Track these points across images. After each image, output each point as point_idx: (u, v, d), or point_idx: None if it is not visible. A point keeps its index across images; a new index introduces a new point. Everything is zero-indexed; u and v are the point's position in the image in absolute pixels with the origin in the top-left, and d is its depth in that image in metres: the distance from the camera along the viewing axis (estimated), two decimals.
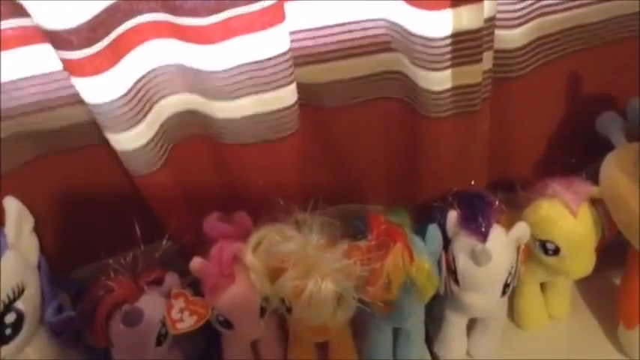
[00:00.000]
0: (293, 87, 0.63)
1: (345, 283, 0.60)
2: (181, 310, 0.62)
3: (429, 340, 0.74)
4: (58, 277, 0.70)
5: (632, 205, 0.61)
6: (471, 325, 0.73)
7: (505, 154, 0.74)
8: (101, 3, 0.53)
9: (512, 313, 0.76)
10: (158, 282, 0.64)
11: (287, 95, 0.63)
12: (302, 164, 0.70)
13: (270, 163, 0.68)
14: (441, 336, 0.73)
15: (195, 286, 0.64)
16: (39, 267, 0.65)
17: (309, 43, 0.64)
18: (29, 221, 0.65)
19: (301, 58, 0.64)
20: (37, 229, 0.69)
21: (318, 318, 0.61)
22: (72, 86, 0.58)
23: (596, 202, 0.67)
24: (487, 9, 0.59)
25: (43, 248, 0.69)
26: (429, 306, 0.70)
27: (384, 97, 0.69)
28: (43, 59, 0.59)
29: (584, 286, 0.77)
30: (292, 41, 0.62)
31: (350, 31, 0.64)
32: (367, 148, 0.72)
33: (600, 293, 0.77)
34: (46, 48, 0.56)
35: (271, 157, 0.67)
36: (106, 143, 0.63)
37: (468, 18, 0.58)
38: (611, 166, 0.64)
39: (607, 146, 0.71)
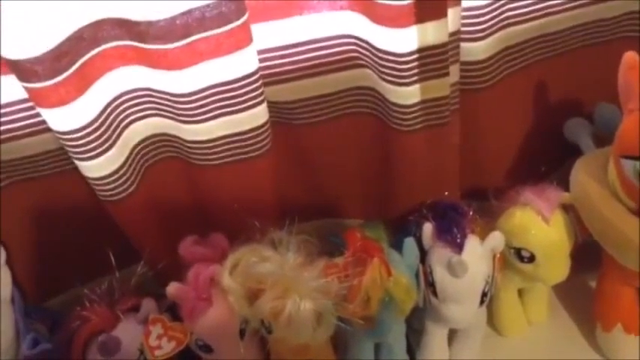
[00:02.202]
0: (263, 107, 0.63)
1: (323, 302, 0.60)
2: (159, 337, 0.61)
3: (411, 352, 0.74)
4: (34, 307, 0.69)
5: (604, 212, 0.61)
6: (452, 334, 0.73)
7: (477, 164, 0.75)
8: (64, 31, 0.53)
9: (491, 320, 0.76)
10: (135, 309, 0.63)
11: (258, 115, 0.63)
12: (276, 182, 0.70)
13: (245, 182, 0.67)
14: (422, 347, 0.73)
15: (172, 310, 0.63)
16: (12, 300, 0.64)
17: (278, 62, 0.64)
18: (1, 255, 0.64)
19: (271, 77, 0.64)
20: (9, 260, 0.68)
21: (299, 337, 0.61)
22: (40, 114, 0.58)
23: (567, 208, 0.68)
24: (451, 23, 0.60)
25: (16, 279, 0.69)
26: (410, 317, 0.70)
27: (356, 112, 0.69)
28: (10, 88, 0.58)
29: (561, 289, 0.78)
30: (261, 61, 0.62)
31: (318, 49, 0.64)
32: (341, 163, 0.73)
33: (577, 296, 0.77)
34: (12, 77, 0.56)
35: (245, 177, 0.67)
36: (77, 169, 0.62)
37: (432, 33, 0.59)
38: (580, 173, 0.65)
39: (576, 150, 0.73)
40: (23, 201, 0.67)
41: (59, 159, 0.65)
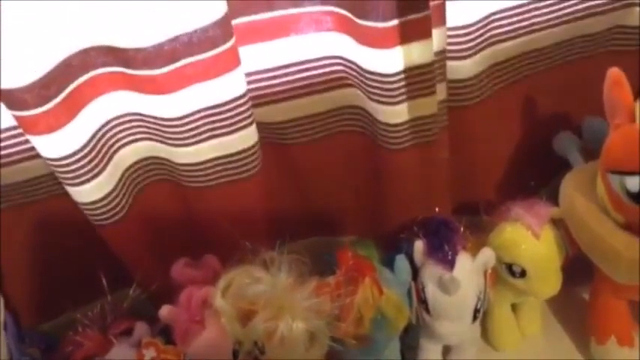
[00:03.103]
0: (253, 128, 0.64)
1: (316, 321, 0.60)
2: None
3: None
4: (28, 332, 0.69)
5: (592, 226, 0.62)
6: (447, 350, 0.73)
7: (467, 179, 0.75)
8: (53, 59, 0.53)
9: (486, 334, 0.76)
10: (128, 332, 0.63)
11: (247, 137, 0.64)
12: (267, 202, 0.70)
13: (236, 203, 0.68)
14: None
15: (166, 333, 0.63)
16: (5, 326, 0.63)
17: (267, 83, 0.65)
18: None
19: (260, 98, 0.65)
20: (2, 285, 0.68)
21: (292, 358, 0.61)
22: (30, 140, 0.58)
23: (557, 222, 0.68)
24: (436, 43, 0.61)
25: (9, 303, 0.69)
26: (405, 334, 0.70)
27: (345, 131, 0.70)
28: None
29: (555, 303, 0.78)
30: (250, 83, 0.62)
31: (306, 70, 0.65)
32: (331, 182, 0.73)
33: (570, 309, 0.78)
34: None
35: (236, 198, 0.67)
36: (68, 193, 0.63)
37: (418, 53, 0.59)
38: (569, 188, 0.66)
39: (565, 165, 0.73)
40: (16, 226, 0.67)
41: (51, 184, 0.65)
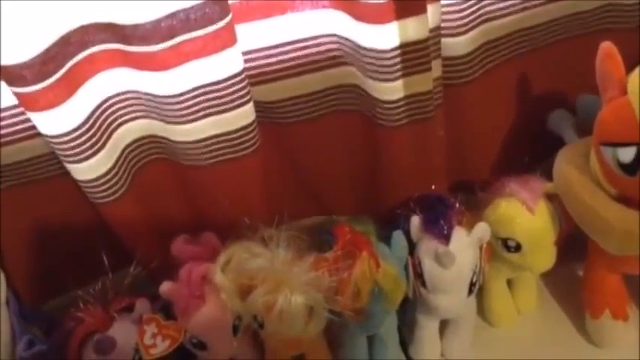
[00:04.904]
0: (250, 106, 0.64)
1: (314, 295, 0.61)
2: (154, 335, 0.62)
3: (404, 345, 0.75)
4: (30, 310, 0.70)
5: (585, 198, 0.63)
6: (444, 326, 0.74)
7: (462, 157, 0.76)
8: (51, 36, 0.54)
9: (482, 311, 0.77)
10: (129, 309, 0.64)
11: (245, 114, 0.64)
12: (265, 180, 0.71)
13: (234, 181, 0.68)
14: (414, 339, 0.74)
15: (166, 310, 0.64)
16: (7, 303, 0.64)
17: (264, 62, 0.65)
18: None
19: (257, 77, 0.65)
20: (4, 264, 0.68)
21: (290, 331, 0.62)
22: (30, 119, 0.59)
23: (552, 198, 0.69)
24: (431, 19, 0.61)
25: (12, 282, 0.69)
26: (402, 311, 0.71)
27: (342, 109, 0.70)
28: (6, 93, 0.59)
29: (550, 279, 0.79)
30: (246, 61, 0.63)
31: (302, 48, 0.65)
32: (329, 160, 0.74)
33: (566, 285, 0.79)
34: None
35: (234, 176, 0.68)
36: (68, 173, 0.63)
37: (413, 29, 0.60)
38: (563, 162, 0.66)
39: (560, 143, 0.74)
40: (19, 205, 0.68)
41: (52, 163, 0.66)
